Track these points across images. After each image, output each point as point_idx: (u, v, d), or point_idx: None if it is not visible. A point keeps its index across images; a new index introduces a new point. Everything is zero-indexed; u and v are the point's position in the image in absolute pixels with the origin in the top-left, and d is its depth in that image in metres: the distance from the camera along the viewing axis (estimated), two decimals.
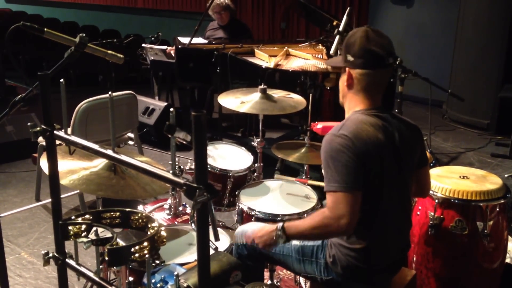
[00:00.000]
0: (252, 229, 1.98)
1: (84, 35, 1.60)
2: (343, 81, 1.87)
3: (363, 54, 1.76)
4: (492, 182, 2.31)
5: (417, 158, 1.91)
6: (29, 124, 1.46)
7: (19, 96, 1.69)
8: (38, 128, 1.43)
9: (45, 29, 1.68)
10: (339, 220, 1.65)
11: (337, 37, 3.63)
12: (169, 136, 1.20)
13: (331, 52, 3.57)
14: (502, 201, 2.25)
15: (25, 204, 3.72)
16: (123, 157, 1.30)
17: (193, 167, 2.67)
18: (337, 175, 1.67)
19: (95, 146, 1.36)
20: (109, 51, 1.85)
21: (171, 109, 1.22)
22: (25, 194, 3.94)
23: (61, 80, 1.40)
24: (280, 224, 1.82)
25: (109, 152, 1.34)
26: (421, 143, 1.94)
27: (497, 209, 2.25)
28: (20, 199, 3.85)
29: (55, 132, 1.43)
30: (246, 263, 2.04)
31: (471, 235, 2.22)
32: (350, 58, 1.79)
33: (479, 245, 2.23)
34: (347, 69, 1.82)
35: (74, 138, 1.42)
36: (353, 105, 1.85)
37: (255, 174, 2.81)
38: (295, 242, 1.96)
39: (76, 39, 1.61)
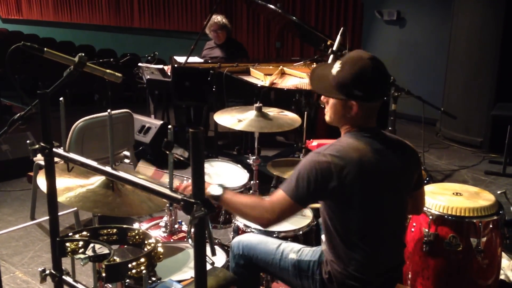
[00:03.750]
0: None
1: (83, 54, 1.63)
2: (339, 108, 1.82)
3: (374, 90, 1.77)
4: (485, 198, 2.34)
5: (415, 181, 1.92)
6: (28, 142, 1.48)
7: (17, 115, 1.71)
8: (37, 146, 1.45)
9: (45, 48, 1.71)
10: (267, 213, 1.77)
11: (331, 56, 3.69)
12: (167, 152, 1.23)
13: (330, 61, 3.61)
14: (495, 218, 2.27)
15: (20, 223, 3.71)
16: (121, 174, 1.32)
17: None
18: (297, 185, 1.74)
19: (94, 163, 1.38)
20: (108, 70, 1.87)
21: (169, 126, 1.25)
22: (20, 213, 3.93)
23: (61, 98, 1.42)
24: (221, 184, 1.90)
25: (108, 169, 1.36)
26: (418, 166, 1.94)
27: (491, 226, 2.27)
28: (15, 218, 3.84)
29: (54, 149, 1.45)
30: (243, 273, 2.07)
31: (465, 251, 2.23)
32: (358, 93, 1.75)
33: (473, 262, 2.25)
34: (351, 102, 1.78)
35: (72, 155, 1.44)
36: (349, 126, 1.85)
37: (251, 191, 2.83)
38: (291, 256, 1.98)
39: (75, 59, 1.64)
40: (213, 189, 1.85)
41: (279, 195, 1.78)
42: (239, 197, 1.89)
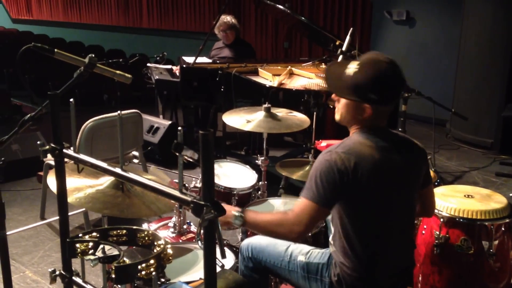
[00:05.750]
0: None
1: (93, 55, 1.63)
2: (351, 109, 1.81)
3: (389, 94, 1.76)
4: (497, 201, 2.31)
5: (422, 179, 1.91)
6: (38, 142, 1.48)
7: (28, 115, 1.71)
8: (47, 147, 1.45)
9: (56, 50, 1.71)
10: (295, 226, 1.73)
11: (341, 56, 3.67)
12: (177, 154, 1.22)
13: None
14: (507, 220, 2.25)
15: (30, 223, 3.72)
16: (131, 175, 1.32)
17: (197, 185, 2.69)
18: (317, 187, 1.72)
19: (104, 164, 1.38)
20: (118, 71, 1.88)
21: (179, 128, 1.24)
22: (30, 212, 3.95)
23: (71, 99, 1.42)
24: (241, 209, 1.88)
25: (118, 170, 1.35)
26: (425, 163, 1.93)
27: (503, 228, 2.24)
28: (25, 217, 3.86)
29: (64, 150, 1.45)
30: (252, 276, 2.06)
31: (476, 254, 2.21)
32: (373, 96, 1.73)
33: (485, 265, 2.22)
34: (365, 104, 1.76)
35: (83, 157, 1.44)
36: (359, 127, 1.83)
37: (260, 192, 2.82)
38: (300, 258, 1.97)
39: (85, 60, 1.64)
40: (234, 217, 1.85)
41: (301, 203, 1.75)
42: (262, 216, 1.86)
